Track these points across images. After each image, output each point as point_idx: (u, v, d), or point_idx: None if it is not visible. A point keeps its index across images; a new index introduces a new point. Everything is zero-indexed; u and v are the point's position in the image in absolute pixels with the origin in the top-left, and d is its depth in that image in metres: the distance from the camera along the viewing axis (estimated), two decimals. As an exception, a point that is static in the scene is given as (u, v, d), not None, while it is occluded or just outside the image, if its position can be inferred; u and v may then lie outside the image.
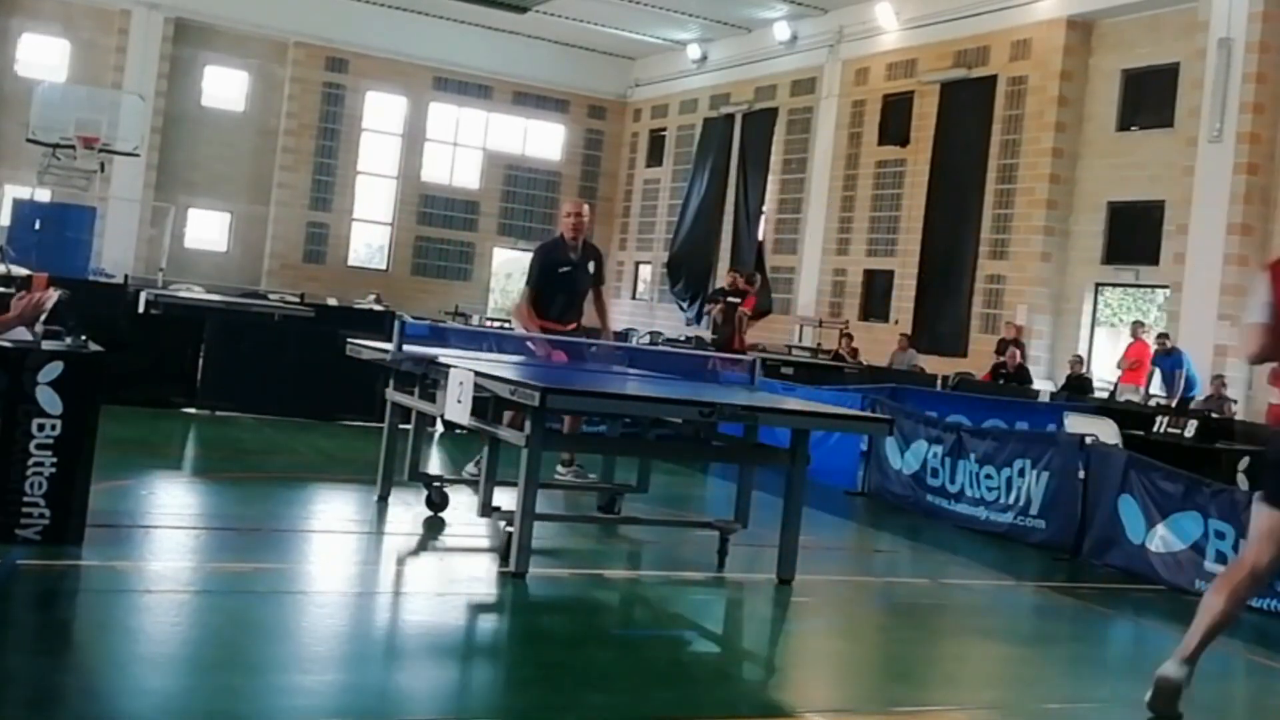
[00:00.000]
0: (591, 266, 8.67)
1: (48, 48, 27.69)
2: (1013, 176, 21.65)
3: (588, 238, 8.80)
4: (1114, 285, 20.79)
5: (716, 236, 28.39)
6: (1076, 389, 17.35)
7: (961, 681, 5.41)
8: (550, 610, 5.84)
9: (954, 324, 22.00)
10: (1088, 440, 8.47)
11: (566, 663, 4.85)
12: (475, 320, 24.72)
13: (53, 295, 5.24)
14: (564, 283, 8.53)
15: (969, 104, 22.35)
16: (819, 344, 23.66)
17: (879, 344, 21.64)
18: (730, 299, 16.58)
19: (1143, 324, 18.84)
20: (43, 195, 25.16)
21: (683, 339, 22.52)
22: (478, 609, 5.81)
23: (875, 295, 24.51)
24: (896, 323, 23.11)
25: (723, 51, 29.40)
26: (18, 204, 24.47)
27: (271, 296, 19.81)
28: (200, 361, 11.35)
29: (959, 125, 22.49)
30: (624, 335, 20.20)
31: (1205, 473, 8.24)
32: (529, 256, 9.03)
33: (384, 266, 31.33)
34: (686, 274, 28.73)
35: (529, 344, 8.43)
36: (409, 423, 7.65)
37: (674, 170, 30.96)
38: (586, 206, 8.92)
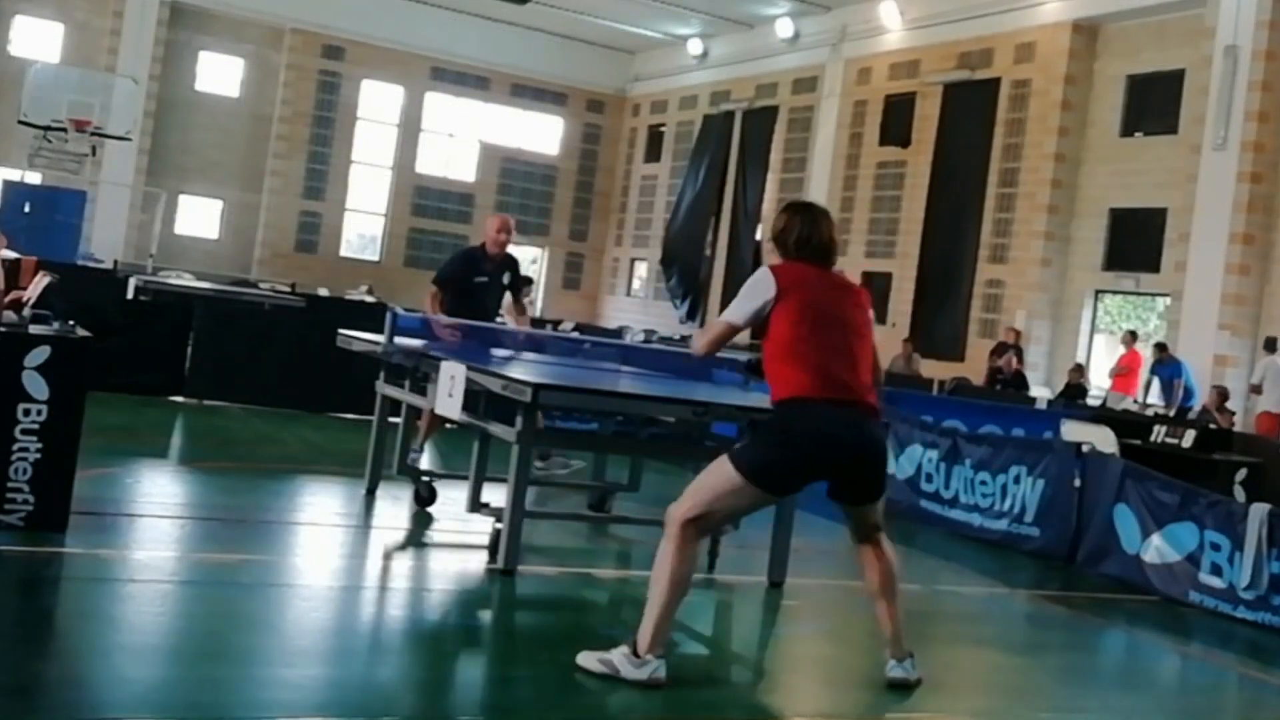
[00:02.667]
0: (507, 277, 8.81)
1: (41, 29, 27.56)
2: (1014, 180, 21.61)
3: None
4: (1114, 292, 20.76)
5: (712, 234, 28.33)
6: (1074, 397, 17.33)
7: (952, 689, 5.36)
8: (538, 608, 5.80)
9: (952, 328, 21.96)
10: (1084, 448, 8.42)
11: (554, 662, 4.79)
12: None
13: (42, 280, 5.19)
14: (478, 291, 8.64)
15: (971, 106, 22.31)
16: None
17: (876, 346, 21.56)
18: None
19: (1135, 334, 18.90)
20: (33, 178, 25.07)
21: (678, 337, 22.44)
22: (465, 605, 5.76)
23: (873, 297, 24.41)
24: (894, 325, 23.06)
25: (724, 48, 29.35)
26: (8, 186, 24.38)
27: (262, 285, 19.71)
28: (189, 350, 11.27)
29: (961, 127, 22.44)
30: (624, 333, 20.17)
31: (1202, 483, 8.20)
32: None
33: (377, 258, 31.24)
34: (679, 271, 28.67)
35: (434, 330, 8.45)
36: (399, 416, 7.59)
37: (672, 166, 30.89)
38: (513, 222, 9.13)
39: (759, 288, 4.76)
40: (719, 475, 4.68)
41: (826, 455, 4.67)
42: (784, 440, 4.69)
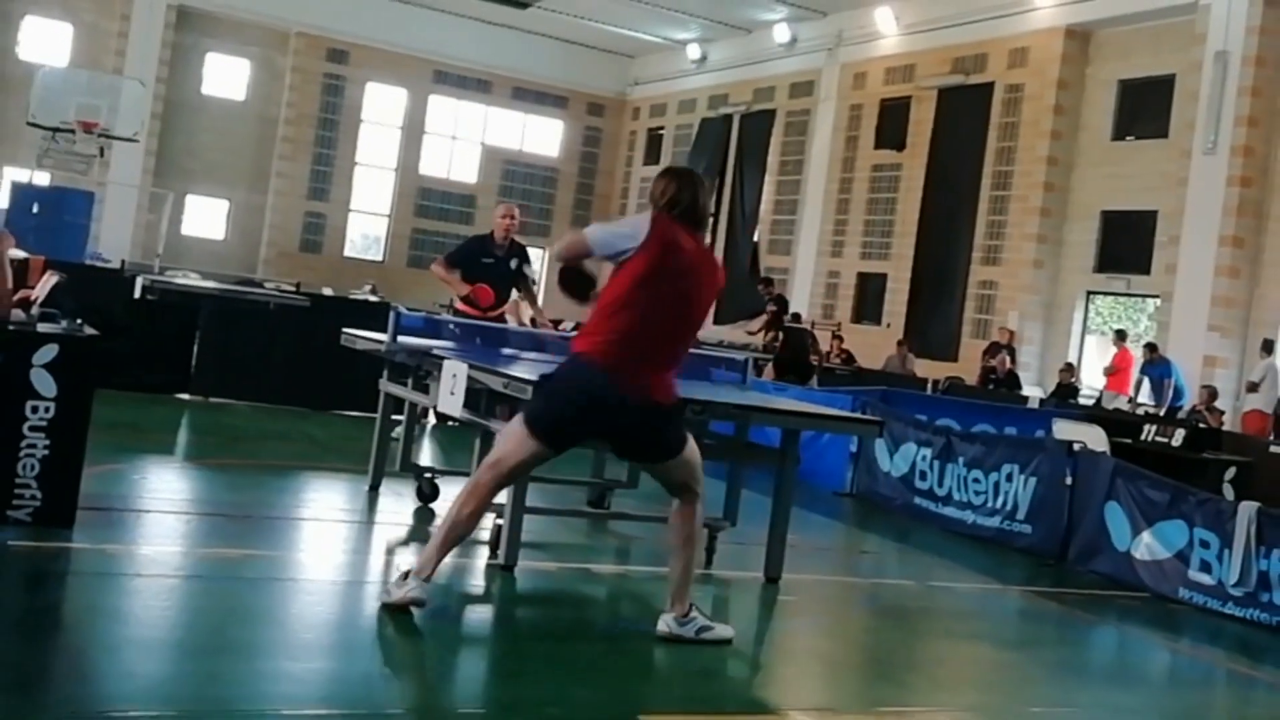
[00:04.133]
0: (514, 263, 9.56)
1: (49, 31, 27.66)
2: (1007, 183, 21.72)
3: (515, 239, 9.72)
4: (1105, 294, 20.88)
5: (709, 236, 28.41)
6: (1066, 396, 17.45)
7: (945, 683, 5.44)
8: (538, 603, 5.86)
9: (945, 328, 22.06)
10: (1075, 447, 8.52)
11: (553, 656, 4.86)
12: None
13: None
14: (486, 271, 9.42)
15: (966, 110, 22.41)
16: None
17: (871, 347, 21.68)
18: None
19: (1123, 333, 19.06)
20: (41, 179, 25.13)
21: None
22: (465, 600, 5.81)
23: (868, 298, 24.57)
24: (889, 326, 23.17)
25: (722, 52, 29.44)
26: (16, 187, 24.45)
27: (267, 285, 19.73)
28: (195, 348, 11.36)
29: (955, 131, 22.55)
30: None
31: (1191, 481, 8.29)
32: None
33: (380, 258, 31.34)
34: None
35: (472, 295, 9.37)
36: (401, 413, 7.67)
37: (671, 169, 30.96)
38: (518, 210, 9.88)
39: (632, 228, 4.86)
40: (511, 424, 5.00)
41: (590, 416, 4.86)
42: (553, 393, 4.93)
